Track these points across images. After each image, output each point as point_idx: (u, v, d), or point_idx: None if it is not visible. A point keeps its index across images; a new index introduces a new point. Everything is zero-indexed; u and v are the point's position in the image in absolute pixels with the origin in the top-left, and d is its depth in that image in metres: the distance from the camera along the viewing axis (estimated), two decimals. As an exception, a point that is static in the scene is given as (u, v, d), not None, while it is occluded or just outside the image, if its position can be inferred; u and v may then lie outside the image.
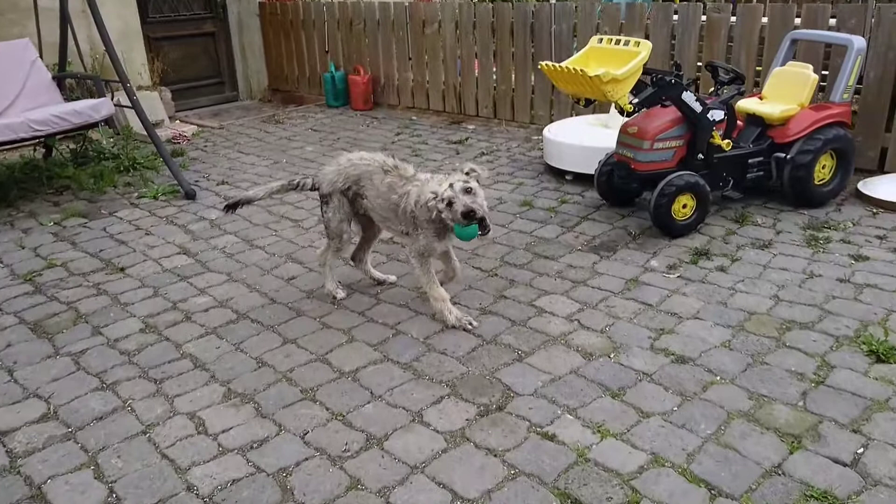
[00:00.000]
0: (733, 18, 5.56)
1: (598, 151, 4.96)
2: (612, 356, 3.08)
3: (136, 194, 5.53)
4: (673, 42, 6.01)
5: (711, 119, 4.21)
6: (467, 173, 3.13)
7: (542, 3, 7.46)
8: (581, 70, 3.83)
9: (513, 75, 7.07)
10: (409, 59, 7.93)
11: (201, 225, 4.87)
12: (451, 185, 3.05)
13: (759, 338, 3.15)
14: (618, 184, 4.51)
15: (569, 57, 4.48)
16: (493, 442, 2.58)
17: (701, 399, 2.76)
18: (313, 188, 3.64)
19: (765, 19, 5.41)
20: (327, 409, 2.82)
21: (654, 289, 3.66)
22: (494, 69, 7.22)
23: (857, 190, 4.76)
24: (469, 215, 3.01)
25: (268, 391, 2.95)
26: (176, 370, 3.13)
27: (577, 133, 5.41)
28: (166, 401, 2.91)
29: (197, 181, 5.86)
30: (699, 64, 5.95)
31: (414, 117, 7.83)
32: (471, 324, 3.32)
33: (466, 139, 6.75)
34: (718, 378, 2.88)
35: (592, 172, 4.96)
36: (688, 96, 4.10)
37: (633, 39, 4.04)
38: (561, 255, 4.11)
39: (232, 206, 3.74)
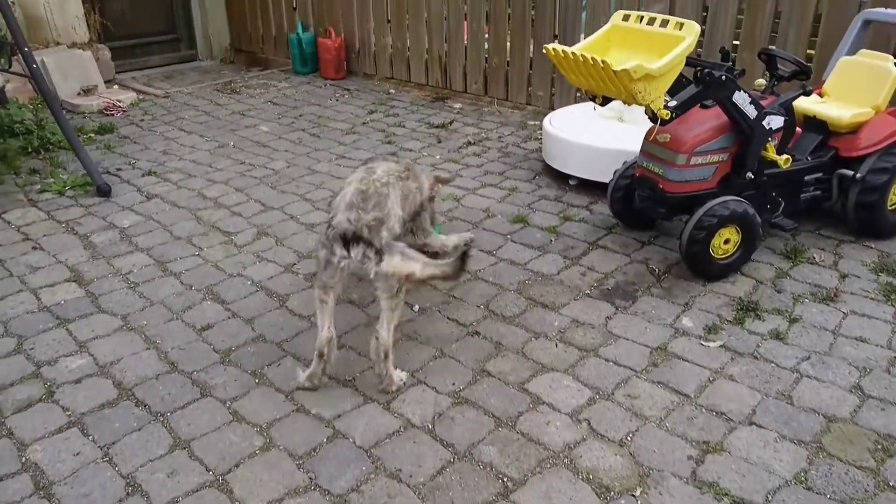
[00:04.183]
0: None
1: (610, 154, 3.96)
2: (637, 493, 2.14)
3: (38, 186, 4.47)
4: (704, 14, 4.95)
5: (768, 127, 3.21)
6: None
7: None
8: (602, 61, 2.80)
9: (508, 45, 5.97)
10: (388, 21, 6.79)
11: (108, 236, 3.83)
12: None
13: (848, 467, 2.21)
14: (639, 206, 3.51)
15: (578, 25, 3.41)
16: None
17: (777, 593, 1.83)
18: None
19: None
20: (211, 589, 1.86)
21: (689, 366, 2.70)
22: (486, 35, 6.12)
23: (933, 214, 3.80)
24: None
25: (129, 547, 1.99)
26: (4, 497, 2.16)
27: (584, 128, 4.36)
28: (-28, 564, 1.95)
29: (119, 169, 4.80)
30: (735, 43, 4.92)
31: (392, 90, 6.73)
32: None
33: (451, 123, 5.68)
34: (798, 548, 1.95)
35: (602, 180, 3.97)
36: (740, 97, 3.08)
37: (672, 19, 2.99)
38: (564, 304, 3.13)
39: None
